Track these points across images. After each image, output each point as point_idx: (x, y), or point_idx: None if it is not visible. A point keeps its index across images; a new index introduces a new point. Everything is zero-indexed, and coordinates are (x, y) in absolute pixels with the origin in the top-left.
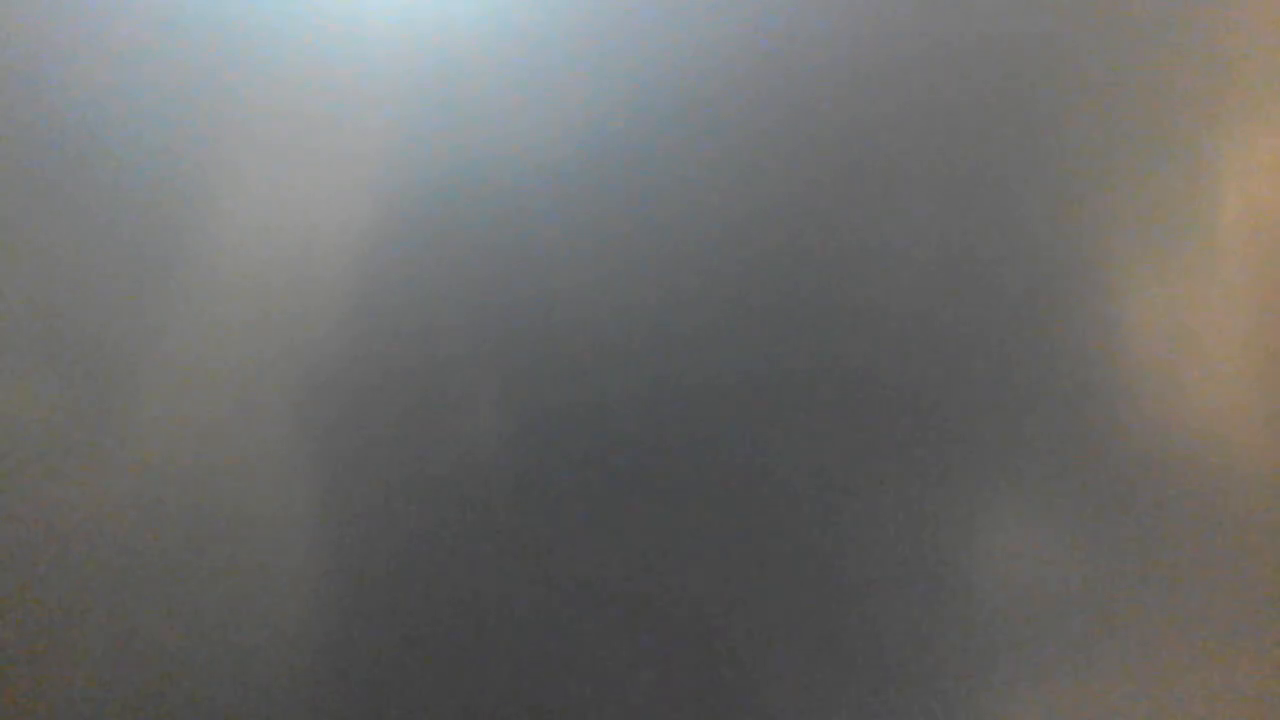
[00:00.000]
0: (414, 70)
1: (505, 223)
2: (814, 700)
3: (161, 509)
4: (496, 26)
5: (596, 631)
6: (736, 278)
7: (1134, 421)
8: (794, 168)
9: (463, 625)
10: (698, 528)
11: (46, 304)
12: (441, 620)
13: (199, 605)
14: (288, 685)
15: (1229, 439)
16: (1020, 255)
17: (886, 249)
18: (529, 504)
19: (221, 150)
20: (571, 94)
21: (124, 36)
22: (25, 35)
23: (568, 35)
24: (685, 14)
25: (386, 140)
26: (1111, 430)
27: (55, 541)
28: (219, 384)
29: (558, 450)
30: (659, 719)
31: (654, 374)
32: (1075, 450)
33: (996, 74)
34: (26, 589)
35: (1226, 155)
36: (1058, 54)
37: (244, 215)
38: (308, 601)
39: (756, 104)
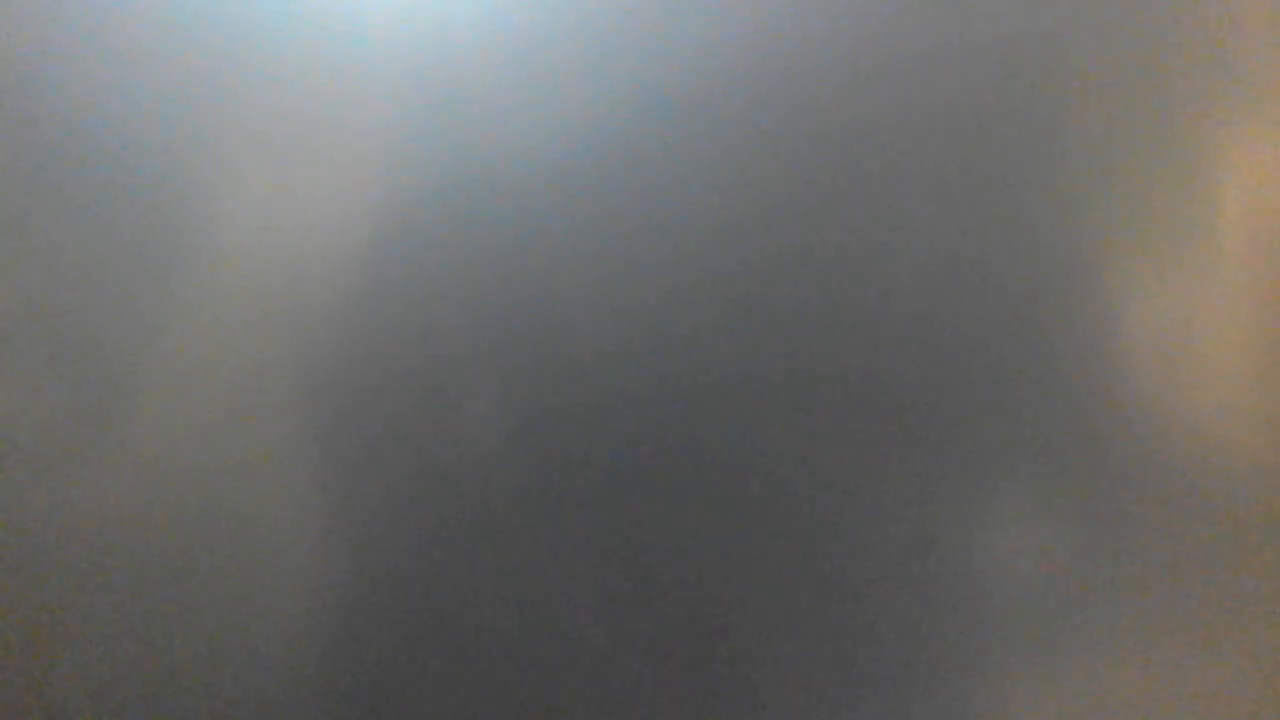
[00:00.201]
0: (414, 70)
1: (505, 223)
2: (814, 699)
3: (162, 509)
4: (496, 26)
5: (597, 631)
6: (736, 278)
7: (1134, 421)
8: (794, 168)
9: (464, 625)
10: (698, 527)
11: (46, 304)
12: (443, 620)
13: (200, 605)
14: (289, 685)
15: (1229, 439)
16: (1020, 255)
17: (886, 249)
18: (530, 503)
19: (221, 150)
20: (571, 94)
21: (124, 36)
22: (25, 35)
23: (568, 35)
24: (685, 14)
25: (386, 140)
26: (1111, 430)
27: (55, 541)
28: (219, 384)
29: (558, 450)
30: (660, 718)
31: (654, 373)
32: (1075, 450)
33: (997, 74)
34: (26, 589)
35: (1226, 155)
36: (1058, 54)
37: (244, 215)
38: (309, 601)
39: (756, 104)
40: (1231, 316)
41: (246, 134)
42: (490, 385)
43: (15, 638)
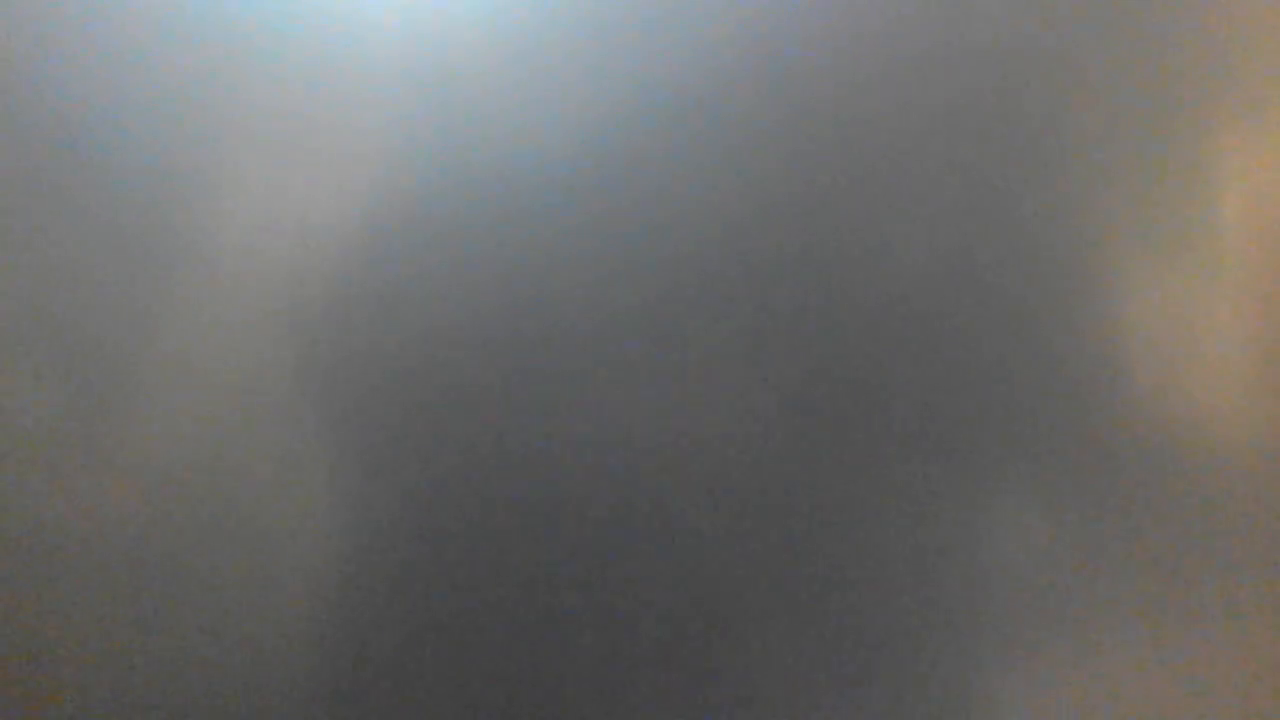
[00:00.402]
0: (413, 70)
1: (505, 222)
2: (814, 699)
3: (162, 509)
4: (496, 26)
5: (599, 631)
6: (736, 278)
7: (1134, 421)
8: (794, 168)
9: (465, 625)
10: (698, 526)
11: (46, 304)
12: (444, 620)
13: (200, 605)
14: (290, 685)
15: (1229, 439)
16: (1020, 255)
17: (887, 249)
18: (532, 504)
19: (221, 149)
20: (571, 94)
21: (124, 37)
22: (25, 35)
23: (568, 35)
24: (685, 14)
25: (386, 139)
26: (1111, 430)
27: (55, 541)
28: (219, 383)
29: (561, 450)
30: (661, 717)
31: (654, 373)
32: (1075, 450)
33: (997, 74)
34: (27, 589)
35: (1226, 155)
36: (1058, 55)
37: (244, 214)
38: (309, 601)
39: (757, 104)
40: (1231, 316)
41: (246, 133)
42: (491, 385)
43: (15, 638)
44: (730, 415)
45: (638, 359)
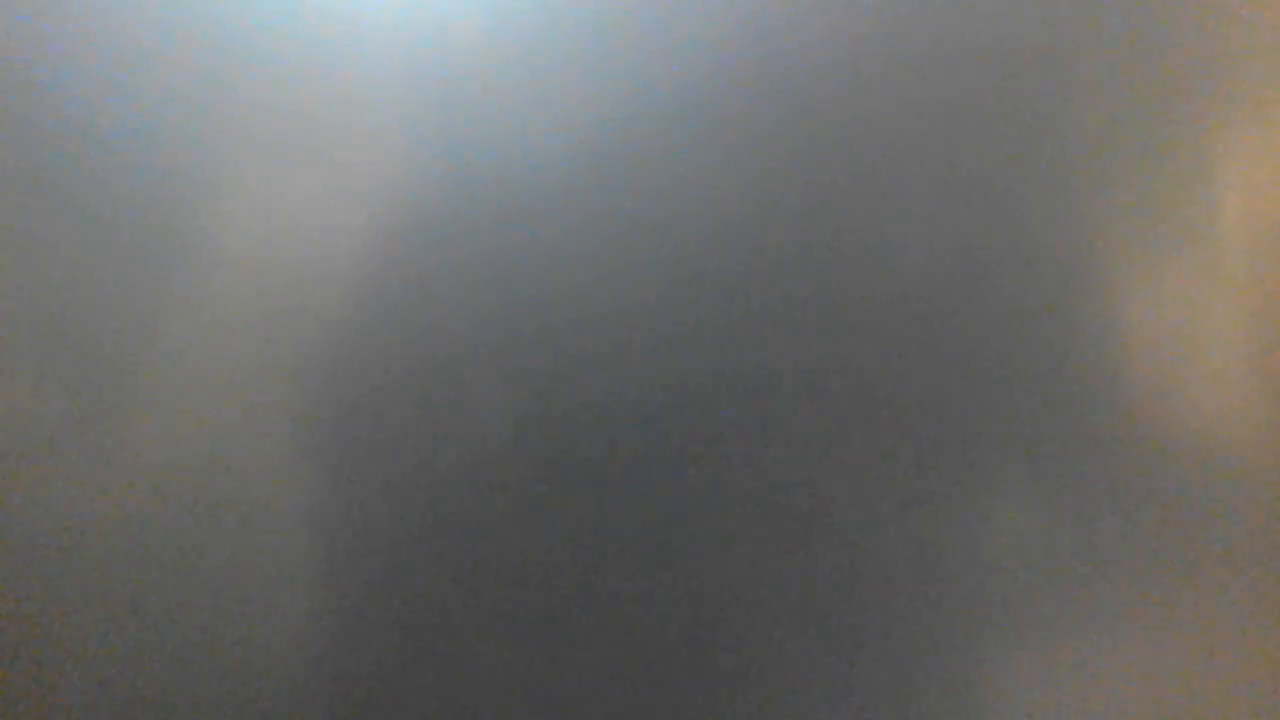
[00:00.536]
0: (414, 71)
1: (507, 223)
2: (814, 698)
3: (162, 509)
4: (497, 27)
5: (599, 631)
6: (737, 277)
7: (1134, 421)
8: (795, 168)
9: (466, 625)
10: (699, 525)
11: (46, 304)
12: (444, 620)
13: (200, 606)
14: (289, 687)
15: (1229, 439)
16: (1020, 255)
17: (887, 249)
18: (532, 504)
19: (222, 151)
20: (572, 95)
21: (124, 37)
22: (25, 35)
23: (568, 36)
24: (686, 15)
25: (387, 141)
26: (1111, 429)
27: (55, 541)
28: (220, 384)
29: (561, 450)
30: (661, 717)
31: (655, 373)
32: (1075, 449)
33: (997, 74)
34: (27, 589)
35: (1226, 155)
36: (1058, 54)
37: (244, 216)
38: (309, 601)
39: (757, 104)
40: (1231, 316)
41: (246, 134)
42: (492, 386)
43: (15, 638)
44: (730, 413)
45: (639, 358)
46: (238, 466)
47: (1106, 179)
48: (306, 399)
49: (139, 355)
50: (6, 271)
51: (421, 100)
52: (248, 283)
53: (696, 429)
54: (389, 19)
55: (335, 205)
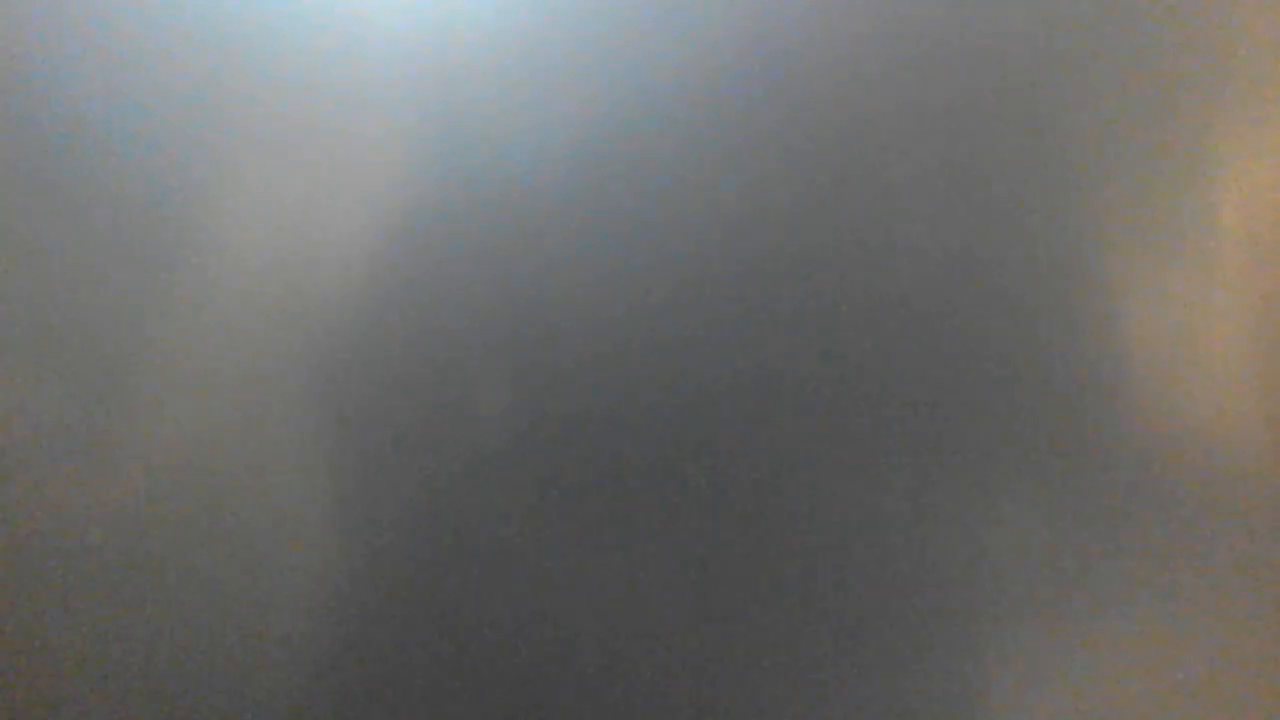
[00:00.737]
0: (415, 73)
1: (508, 224)
2: (813, 695)
3: (163, 510)
4: (498, 28)
5: (600, 633)
6: (737, 278)
7: (1134, 421)
8: (796, 168)
9: (467, 627)
10: (700, 524)
11: (47, 305)
12: (445, 622)
13: (201, 607)
14: (290, 686)
15: (1229, 439)
16: (1020, 255)
17: (887, 249)
18: (534, 506)
19: (222, 151)
20: (573, 95)
21: (124, 38)
22: (25, 35)
23: (569, 37)
24: (686, 16)
25: (388, 141)
26: (1111, 430)
27: (55, 541)
28: (221, 386)
29: (563, 451)
30: (659, 708)
31: (656, 374)
32: (1075, 450)
33: (997, 74)
34: (27, 589)
35: (1226, 155)
36: (1058, 54)
37: (245, 216)
38: (312, 603)
39: (758, 105)
40: (1231, 316)
41: (247, 135)
42: (493, 388)
43: (15, 638)
44: (731, 413)
45: (639, 359)
46: (238, 467)
47: (1106, 179)
48: (307, 400)
49: (139, 355)
50: (6, 271)
51: (422, 101)
52: (248, 283)
53: (696, 428)
54: (390, 19)
55: (336, 206)
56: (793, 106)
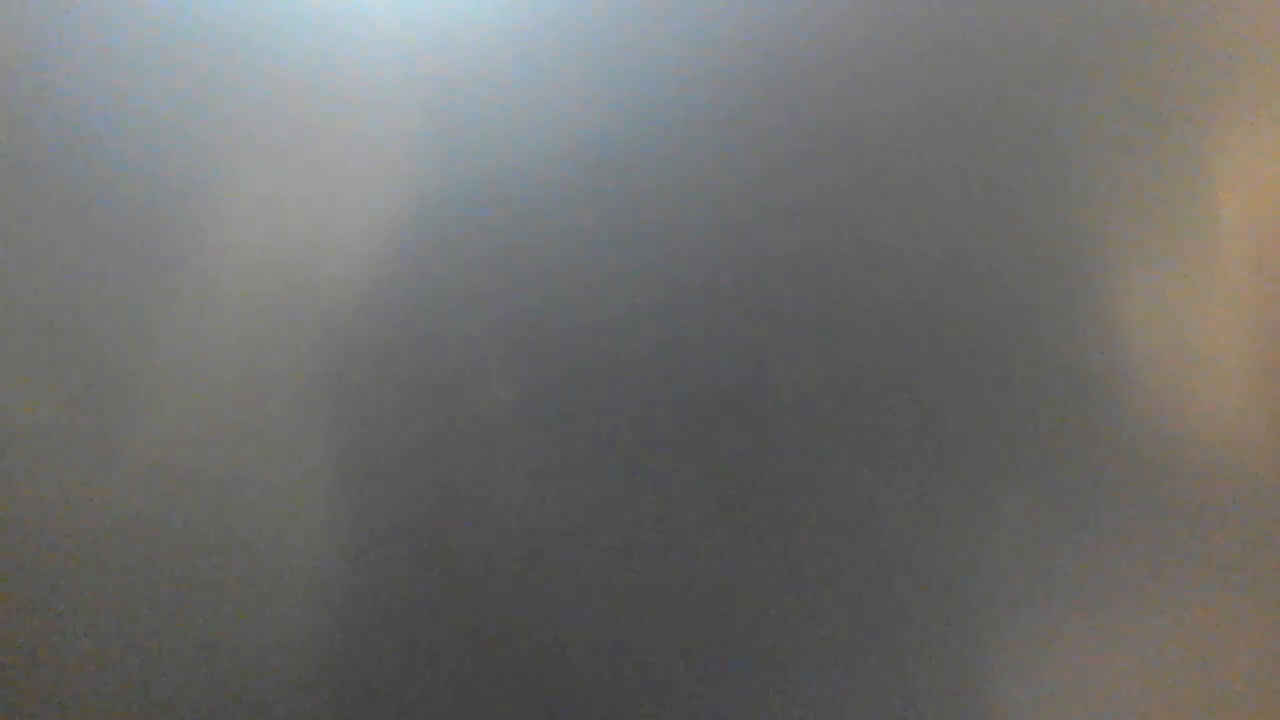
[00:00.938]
0: (416, 73)
1: (510, 225)
2: (814, 694)
3: (164, 513)
4: (499, 29)
5: (602, 635)
6: (738, 278)
7: (1134, 421)
8: (797, 169)
9: (467, 632)
10: (699, 524)
11: (47, 306)
12: (446, 628)
13: (201, 608)
14: (291, 692)
15: (1229, 439)
16: (1020, 255)
17: (887, 250)
18: (539, 507)
19: (222, 152)
20: (575, 96)
21: (125, 38)
22: (25, 36)
23: (570, 39)
24: (688, 17)
25: (389, 143)
26: (1111, 430)
27: (55, 542)
28: (221, 386)
29: (566, 452)
30: (660, 709)
31: (657, 374)
32: (1075, 449)
33: (997, 74)
34: (27, 591)
35: (1226, 155)
36: (1059, 55)
37: (245, 217)
38: (310, 604)
39: (759, 105)
40: (1231, 316)
41: (247, 136)
42: (495, 389)
43: (15, 638)
44: (731, 412)
45: (641, 359)
46: (238, 468)
47: (1107, 180)
48: (308, 401)
49: (139, 357)
50: (6, 272)
51: (423, 101)
52: (249, 284)
53: (697, 427)
54: (390, 21)
55: (337, 206)
56: (794, 107)
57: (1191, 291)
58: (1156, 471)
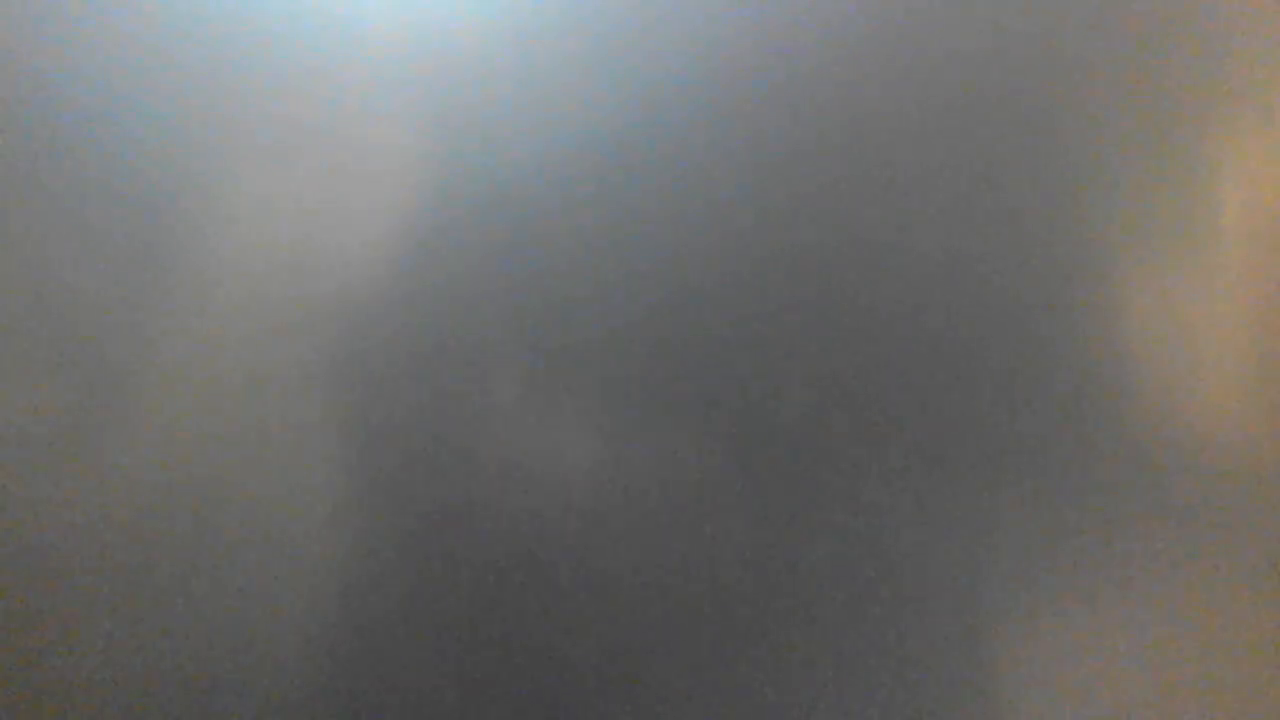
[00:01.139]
0: (418, 75)
1: (510, 226)
2: (815, 693)
3: (163, 511)
4: (501, 30)
5: (604, 635)
6: (739, 277)
7: (1134, 421)
8: (798, 168)
9: (468, 632)
10: (700, 524)
11: (47, 306)
12: (447, 627)
13: (200, 607)
14: (291, 690)
15: (1229, 439)
16: (1021, 256)
17: (888, 249)
18: (541, 508)
19: (223, 155)
20: (577, 97)
21: (124, 38)
22: (25, 37)
23: (571, 40)
24: (689, 17)
25: (390, 144)
26: (1111, 430)
27: (55, 542)
28: (221, 388)
29: (568, 452)
30: (661, 708)
31: (657, 374)
32: (1075, 448)
33: (998, 75)
34: (26, 589)
35: (1226, 155)
36: (1060, 56)
37: (245, 219)
38: (309, 602)
39: (761, 105)
40: (1231, 316)
41: (248, 139)
42: (497, 390)
43: (15, 637)
44: (732, 413)
45: (642, 359)
46: (239, 469)
47: (1108, 180)
48: (309, 402)
49: (140, 359)
50: (6, 272)
51: (425, 103)
52: (249, 285)
53: (697, 427)
54: (391, 24)
55: (338, 208)
56: (794, 107)
57: (1191, 291)
58: (1156, 471)
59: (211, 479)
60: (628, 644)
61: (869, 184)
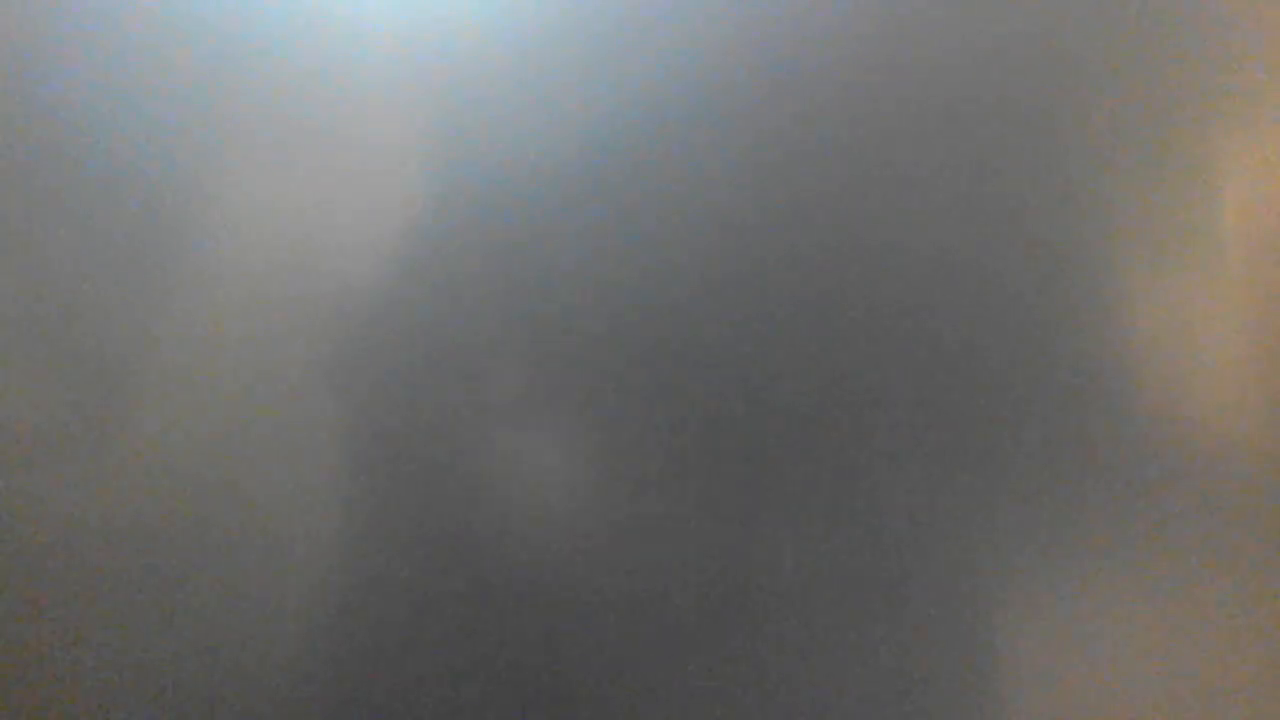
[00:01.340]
0: (419, 75)
1: (511, 226)
2: (815, 692)
3: (163, 511)
4: (501, 30)
5: (607, 635)
6: (739, 276)
7: (1134, 419)
8: (799, 168)
9: (469, 632)
10: (701, 524)
11: (47, 307)
12: (448, 627)
13: (200, 607)
14: (294, 690)
15: (1229, 437)
16: (1022, 256)
17: (889, 249)
18: (544, 509)
19: (223, 155)
20: (578, 97)
21: (124, 38)
22: (25, 37)
23: (574, 40)
24: (689, 18)
25: (391, 144)
26: (1112, 430)
27: (55, 542)
28: (221, 388)
29: (570, 452)
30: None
31: (658, 374)
32: (1076, 448)
33: (999, 75)
34: (26, 589)
35: (1226, 155)
36: (1061, 57)
37: (245, 219)
38: (308, 604)
39: (761, 105)
40: (1231, 316)
41: (248, 139)
42: (498, 391)
43: (15, 638)
44: (731, 412)
45: (643, 359)
46: (240, 469)
47: (1108, 181)
48: (311, 402)
49: (140, 357)
50: (6, 271)
51: (426, 103)
52: (250, 285)
53: (698, 427)
54: (391, 24)
55: (339, 208)
56: (796, 107)
57: (1191, 291)
58: (1157, 470)
59: (211, 479)
60: (627, 644)
61: (869, 184)
